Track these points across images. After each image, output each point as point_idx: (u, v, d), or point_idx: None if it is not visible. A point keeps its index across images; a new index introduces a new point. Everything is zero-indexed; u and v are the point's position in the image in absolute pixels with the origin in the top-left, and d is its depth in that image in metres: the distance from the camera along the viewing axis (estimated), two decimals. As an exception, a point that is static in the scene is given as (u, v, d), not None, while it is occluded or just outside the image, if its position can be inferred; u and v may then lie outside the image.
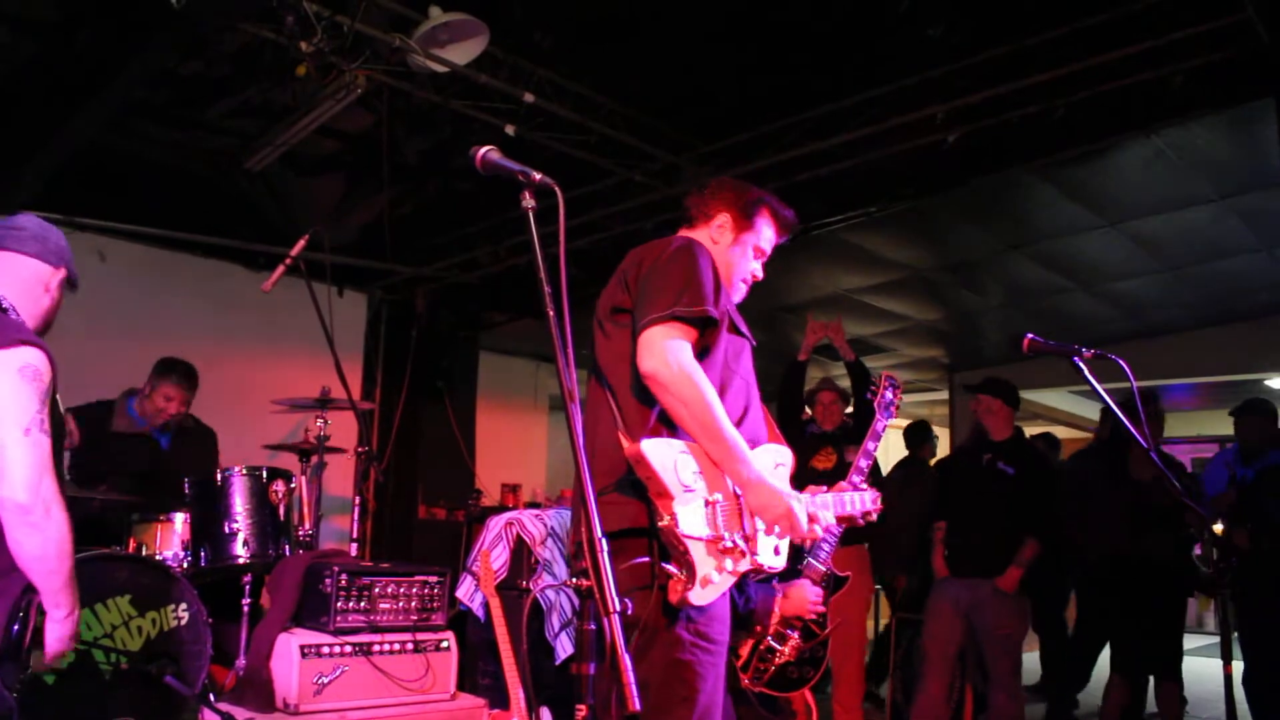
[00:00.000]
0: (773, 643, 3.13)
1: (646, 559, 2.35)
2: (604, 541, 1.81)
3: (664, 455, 2.35)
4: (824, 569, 3.31)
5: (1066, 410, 11.97)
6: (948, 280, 7.93)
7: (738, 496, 2.47)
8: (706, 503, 2.39)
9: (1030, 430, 8.46)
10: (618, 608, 1.76)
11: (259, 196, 6.70)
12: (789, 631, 3.15)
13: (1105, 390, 3.32)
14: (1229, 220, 6.65)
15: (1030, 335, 3.22)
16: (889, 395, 3.45)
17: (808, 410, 5.91)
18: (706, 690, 2.38)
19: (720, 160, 6.04)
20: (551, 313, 1.95)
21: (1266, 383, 8.98)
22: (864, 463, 3.47)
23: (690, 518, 2.34)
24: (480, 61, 5.03)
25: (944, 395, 10.97)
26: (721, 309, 2.56)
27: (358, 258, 7.40)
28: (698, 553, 2.33)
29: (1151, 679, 5.68)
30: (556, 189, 2.04)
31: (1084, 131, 5.12)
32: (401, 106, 5.74)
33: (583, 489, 1.84)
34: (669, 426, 2.45)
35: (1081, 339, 3.48)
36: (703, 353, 2.52)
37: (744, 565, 2.44)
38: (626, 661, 1.73)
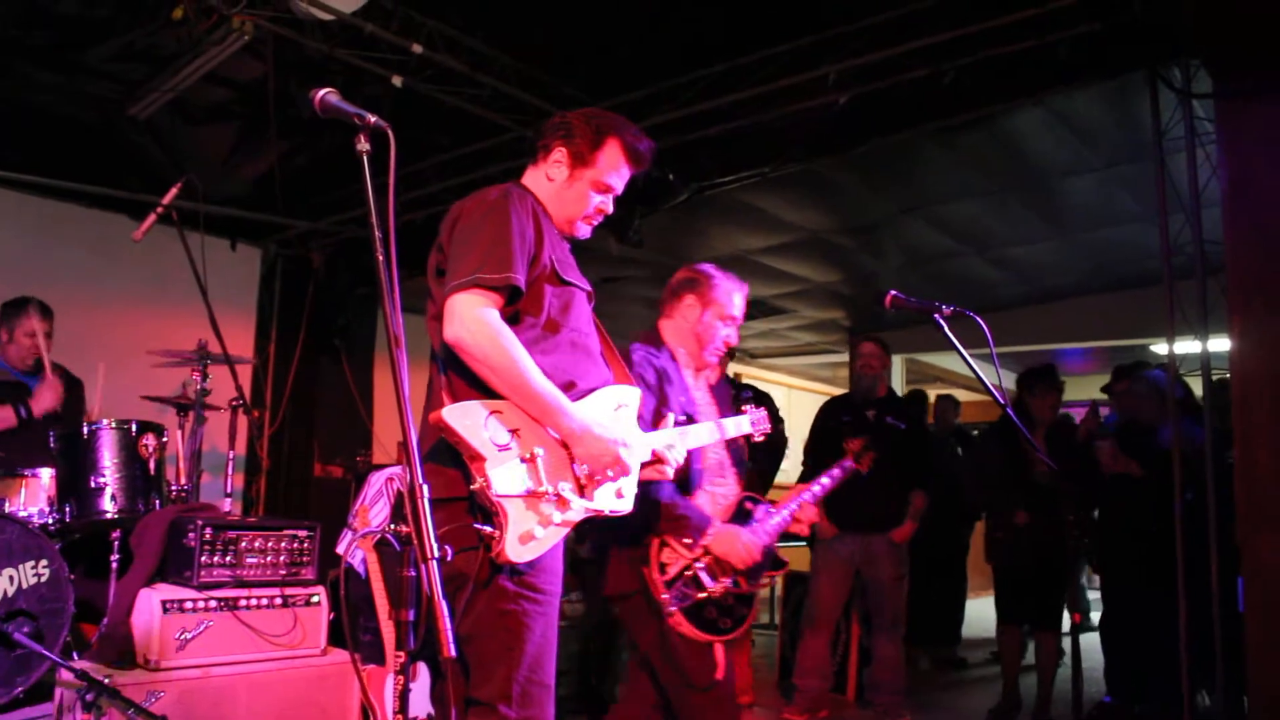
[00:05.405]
0: (704, 576, 3.13)
1: (468, 522, 2.31)
2: (425, 488, 1.80)
3: (469, 419, 2.29)
4: (768, 542, 3.34)
5: (964, 374, 12.21)
6: (846, 243, 7.99)
7: (567, 446, 2.43)
8: (525, 459, 2.34)
9: (930, 393, 8.65)
10: (436, 554, 1.76)
11: (146, 145, 6.47)
12: (723, 574, 3.15)
13: (1000, 355, 3.37)
14: (1113, 188, 6.80)
15: (893, 292, 3.26)
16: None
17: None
18: (534, 640, 2.37)
19: (615, 117, 5.98)
20: (380, 257, 1.92)
21: (1152, 348, 9.25)
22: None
23: (504, 477, 2.29)
24: (369, 11, 4.91)
25: (845, 358, 11.09)
26: (543, 265, 2.49)
27: (251, 210, 7.22)
28: (514, 511, 2.29)
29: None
30: (389, 131, 2.01)
31: (972, 97, 5.18)
32: (292, 57, 5.58)
33: (406, 437, 1.82)
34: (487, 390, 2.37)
35: (977, 303, 3.51)
36: (522, 312, 2.46)
37: (575, 514, 2.42)
38: (443, 607, 1.73)
